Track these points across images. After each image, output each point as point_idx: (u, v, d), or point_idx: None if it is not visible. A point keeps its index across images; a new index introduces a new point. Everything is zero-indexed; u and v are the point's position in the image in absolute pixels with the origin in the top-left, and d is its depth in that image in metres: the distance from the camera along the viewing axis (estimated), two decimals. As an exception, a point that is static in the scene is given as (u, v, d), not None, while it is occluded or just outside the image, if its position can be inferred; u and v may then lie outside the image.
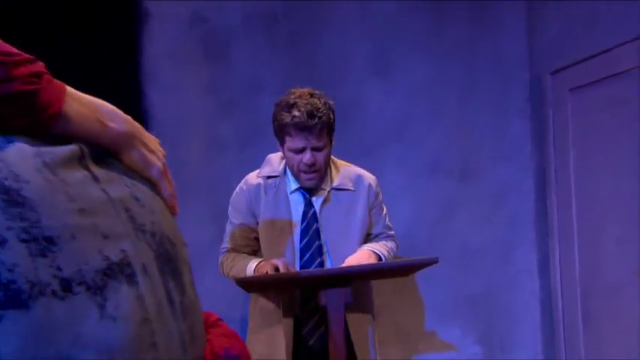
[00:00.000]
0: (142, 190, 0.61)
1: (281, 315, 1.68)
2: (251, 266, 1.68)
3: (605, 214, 2.47)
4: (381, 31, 3.07)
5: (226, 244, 1.92)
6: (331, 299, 1.41)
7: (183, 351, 0.56)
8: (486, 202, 3.14)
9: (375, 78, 3.07)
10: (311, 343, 1.67)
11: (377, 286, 2.93)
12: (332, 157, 1.90)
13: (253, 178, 1.86)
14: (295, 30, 3.01)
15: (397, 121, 3.10)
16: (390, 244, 1.96)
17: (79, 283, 0.45)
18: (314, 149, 1.68)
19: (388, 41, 3.08)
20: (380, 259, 1.71)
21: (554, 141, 2.87)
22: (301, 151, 1.68)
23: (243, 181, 1.89)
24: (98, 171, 0.56)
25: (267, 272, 1.55)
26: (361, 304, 1.73)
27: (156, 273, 0.55)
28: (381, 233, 1.95)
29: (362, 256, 1.70)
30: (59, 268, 0.45)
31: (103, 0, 2.82)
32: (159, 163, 0.66)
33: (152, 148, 0.67)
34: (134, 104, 2.85)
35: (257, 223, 1.81)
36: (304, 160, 1.68)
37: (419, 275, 3.08)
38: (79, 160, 0.54)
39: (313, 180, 1.73)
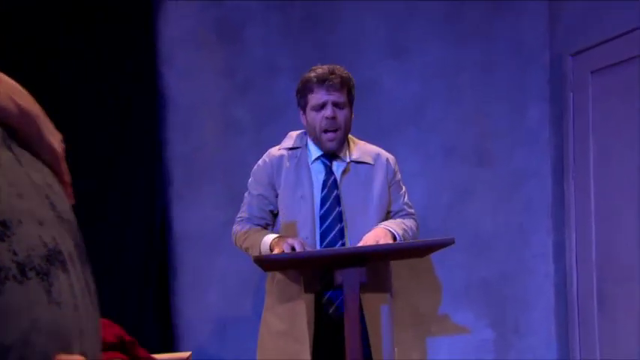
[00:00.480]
0: (50, 176, 0.58)
1: (302, 290, 1.68)
2: (266, 241, 1.68)
3: (624, 201, 2.42)
4: (397, 12, 3.02)
5: (242, 213, 1.94)
6: (347, 278, 1.42)
7: (97, 341, 0.56)
8: (502, 187, 3.10)
9: (391, 61, 3.03)
10: (331, 311, 1.69)
11: (393, 268, 2.95)
12: (352, 136, 1.94)
13: (275, 150, 1.90)
14: (310, 12, 2.97)
15: (413, 104, 3.06)
16: (409, 222, 1.96)
17: (31, 268, 0.45)
18: (335, 105, 1.74)
19: (404, 23, 3.02)
20: (395, 238, 1.70)
21: (573, 125, 2.80)
22: (322, 106, 1.74)
23: (265, 154, 1.92)
24: (19, 153, 0.53)
25: (282, 251, 1.55)
26: (379, 282, 1.74)
27: (77, 262, 0.54)
28: (401, 210, 1.96)
29: (378, 234, 1.69)
30: (15, 253, 0.44)
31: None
32: (59, 148, 0.63)
33: (52, 130, 0.63)
34: (151, 87, 2.86)
35: (276, 196, 1.82)
36: (326, 115, 1.73)
37: (434, 259, 3.08)
38: (3, 140, 0.51)
39: (334, 141, 1.76)
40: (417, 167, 3.03)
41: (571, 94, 2.80)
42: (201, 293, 2.95)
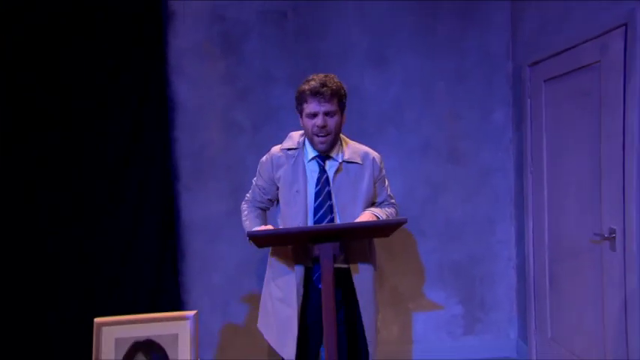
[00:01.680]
0: None
1: (293, 265, 1.93)
2: (251, 230, 1.91)
3: (569, 191, 2.69)
4: (378, 27, 3.26)
5: (248, 195, 2.19)
6: (323, 251, 1.65)
7: None
8: (471, 182, 3.37)
9: (373, 69, 3.28)
10: (320, 285, 1.89)
11: (378, 254, 3.20)
12: (344, 136, 2.11)
13: (277, 150, 2.06)
14: (302, 26, 3.21)
15: (392, 108, 3.31)
16: (391, 209, 2.18)
17: None
18: (326, 114, 1.89)
19: (385, 36, 3.26)
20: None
21: (530, 127, 3.08)
22: (315, 115, 1.89)
23: (268, 152, 2.09)
24: None
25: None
26: (364, 258, 1.98)
27: None
28: (385, 200, 2.18)
29: (364, 217, 1.94)
30: None
31: (133, 1, 3.04)
32: None
33: None
34: (161, 93, 3.11)
35: (277, 188, 2.02)
36: (317, 123, 1.88)
37: (411, 245, 3.36)
38: None
39: (325, 143, 1.92)
40: (396, 163, 3.29)
41: (528, 99, 3.08)
42: (207, 275, 3.21)
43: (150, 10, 3.06)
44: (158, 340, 1.54)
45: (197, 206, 3.21)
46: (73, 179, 3.09)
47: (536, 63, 2.97)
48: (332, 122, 1.91)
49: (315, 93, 1.86)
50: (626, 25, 2.16)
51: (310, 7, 3.21)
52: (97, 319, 1.54)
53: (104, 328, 1.53)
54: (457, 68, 3.31)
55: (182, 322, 1.55)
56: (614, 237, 2.31)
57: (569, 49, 2.60)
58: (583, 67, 2.50)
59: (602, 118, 2.36)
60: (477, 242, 3.38)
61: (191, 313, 1.57)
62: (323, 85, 1.87)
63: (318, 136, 1.91)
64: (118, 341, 1.54)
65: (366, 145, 2.24)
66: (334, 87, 1.89)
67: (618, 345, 2.32)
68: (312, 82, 1.89)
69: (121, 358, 1.52)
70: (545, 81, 2.89)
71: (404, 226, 3.30)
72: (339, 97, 1.92)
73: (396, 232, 3.27)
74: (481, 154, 3.36)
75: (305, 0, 3.19)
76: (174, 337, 1.55)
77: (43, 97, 3.06)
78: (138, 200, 3.11)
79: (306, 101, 1.91)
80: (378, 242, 3.29)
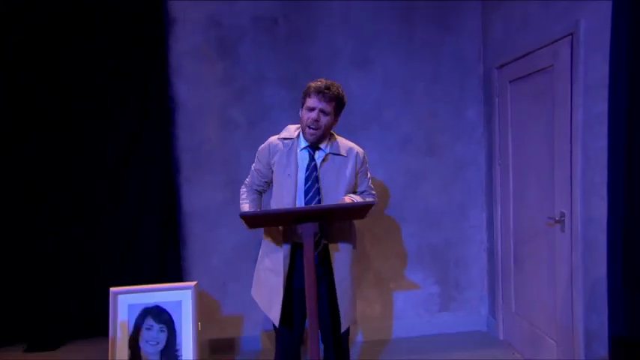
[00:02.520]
0: None
1: (282, 242, 2.18)
2: (243, 211, 2.14)
3: (529, 180, 2.96)
4: (362, 33, 3.49)
5: (247, 179, 2.41)
6: (304, 230, 1.89)
7: None
8: (447, 173, 3.62)
9: (357, 71, 3.51)
10: (300, 253, 2.11)
11: (359, 237, 3.45)
12: (334, 132, 2.31)
13: (274, 139, 2.29)
14: (292, 32, 3.44)
15: (375, 106, 3.55)
16: (370, 198, 2.39)
17: None
18: (321, 111, 2.12)
19: (368, 41, 3.50)
20: None
21: (498, 123, 3.33)
22: (312, 109, 2.12)
23: (267, 140, 2.31)
24: None
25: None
26: (345, 237, 2.22)
27: None
28: (365, 191, 2.40)
29: (344, 201, 2.17)
30: None
31: (137, 9, 3.26)
32: None
33: None
34: (163, 93, 3.35)
35: (271, 172, 2.25)
36: (312, 117, 2.11)
37: (392, 231, 3.61)
38: None
39: (313, 135, 2.15)
40: (378, 157, 3.54)
41: (496, 98, 3.33)
42: (206, 258, 3.46)
43: (150, 15, 3.28)
44: (164, 306, 1.79)
45: (196, 196, 3.45)
46: (77, 174, 3.35)
47: (502, 66, 3.22)
48: (324, 120, 2.14)
49: (318, 91, 2.11)
50: (572, 34, 2.42)
51: (299, 14, 3.43)
52: (112, 289, 1.79)
53: (119, 296, 1.78)
54: (433, 70, 3.55)
55: (185, 291, 1.80)
56: (563, 220, 2.58)
57: (529, 53, 2.86)
58: (539, 70, 2.76)
59: (555, 116, 2.62)
60: (452, 228, 3.64)
61: (192, 283, 1.82)
62: (327, 87, 2.12)
63: (309, 127, 2.14)
64: (131, 307, 1.79)
65: (352, 140, 2.46)
66: (335, 92, 2.14)
67: (565, 313, 2.60)
68: (319, 83, 2.14)
69: (134, 321, 1.78)
70: (510, 82, 3.14)
71: (386, 212, 3.60)
72: (337, 102, 2.16)
73: (379, 219, 3.55)
74: (456, 147, 3.62)
75: (295, 7, 3.42)
76: (178, 304, 1.80)
77: (44, 97, 3.30)
78: (142, 190, 3.37)
79: (309, 96, 2.14)
80: (364, 228, 3.57)
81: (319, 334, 2.11)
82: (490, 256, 3.59)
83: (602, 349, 2.32)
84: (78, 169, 3.35)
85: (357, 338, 3.58)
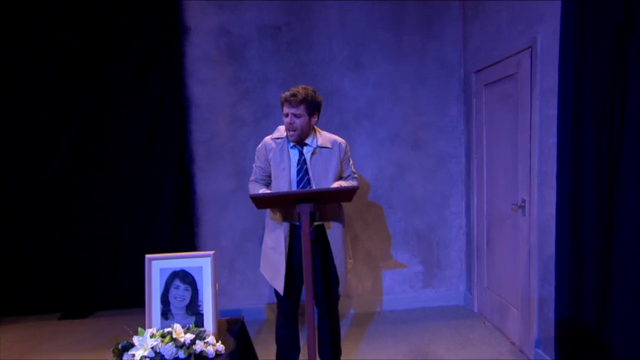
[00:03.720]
0: None
1: (282, 223, 2.55)
2: (253, 193, 2.49)
3: (499, 172, 3.34)
4: (356, 40, 3.85)
5: (252, 176, 2.74)
6: (302, 209, 2.26)
7: None
8: (430, 165, 4.00)
9: (351, 74, 3.87)
10: (300, 232, 2.49)
11: (351, 222, 3.83)
12: (318, 128, 2.65)
13: (268, 139, 2.64)
14: (293, 39, 3.80)
15: (367, 104, 3.91)
16: (354, 182, 2.72)
17: None
18: (294, 115, 2.44)
19: (361, 47, 3.86)
20: None
21: (475, 121, 3.71)
22: (287, 115, 2.46)
23: (263, 140, 2.66)
24: None
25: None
26: (335, 216, 2.59)
27: None
28: (349, 175, 2.74)
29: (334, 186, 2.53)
30: None
31: (156, 19, 3.63)
32: None
33: None
34: (179, 93, 3.73)
35: (270, 166, 2.60)
36: (287, 121, 2.46)
37: (381, 216, 4.00)
38: None
39: (292, 136, 2.49)
40: (370, 150, 3.92)
41: (474, 99, 3.70)
42: (216, 239, 3.86)
43: (168, 25, 3.66)
44: (189, 270, 2.19)
45: (208, 183, 3.84)
46: (105, 162, 3.77)
47: (479, 71, 3.59)
48: (298, 121, 2.46)
49: (286, 100, 2.45)
50: (531, 47, 2.79)
51: (300, 23, 3.80)
52: (147, 256, 2.18)
53: (153, 262, 2.18)
54: (419, 73, 3.92)
55: (205, 258, 2.19)
56: (524, 206, 2.97)
57: (500, 61, 3.23)
58: (507, 76, 3.13)
59: (518, 116, 3.00)
60: (434, 214, 4.03)
61: (211, 252, 2.21)
62: (293, 95, 2.43)
63: (288, 130, 2.50)
64: (162, 271, 2.19)
65: (346, 134, 2.79)
66: (302, 96, 2.43)
67: (525, 285, 3.00)
68: (287, 93, 2.46)
69: (164, 282, 2.17)
70: (485, 85, 3.51)
71: (376, 200, 3.99)
72: (305, 104, 2.45)
73: (368, 205, 3.94)
74: (439, 142, 3.99)
75: (296, 17, 3.78)
76: (200, 269, 2.19)
77: (85, 95, 3.71)
78: (160, 179, 3.77)
79: (282, 105, 2.50)
80: (356, 214, 3.96)
81: (313, 299, 2.50)
82: (468, 238, 3.98)
83: (551, 312, 2.72)
84: (106, 159, 3.76)
85: (350, 311, 3.99)
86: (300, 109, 2.45)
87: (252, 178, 2.75)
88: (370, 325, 3.71)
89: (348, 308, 3.98)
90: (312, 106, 2.51)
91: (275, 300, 2.75)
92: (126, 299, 3.81)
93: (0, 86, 3.69)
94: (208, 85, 3.77)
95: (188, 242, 3.72)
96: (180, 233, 3.78)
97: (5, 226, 3.77)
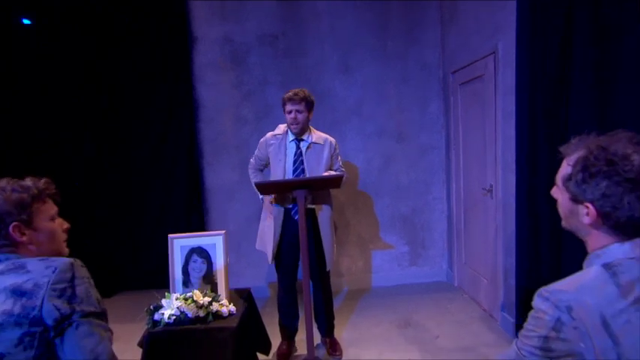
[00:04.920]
0: None
1: (277, 209, 2.94)
2: (257, 181, 2.91)
3: (470, 161, 3.73)
4: (345, 45, 4.20)
5: (252, 159, 3.12)
6: (298, 194, 2.63)
7: None
8: (414, 155, 4.37)
9: (342, 76, 4.23)
10: (295, 218, 2.91)
11: (344, 208, 4.21)
12: (312, 127, 3.00)
13: (270, 135, 3.03)
14: (289, 46, 4.16)
15: (356, 103, 4.27)
16: (341, 173, 3.12)
17: None
18: (297, 111, 2.83)
19: (349, 52, 4.21)
20: None
21: (453, 116, 4.09)
22: (290, 112, 2.84)
23: (264, 136, 3.03)
24: None
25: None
26: (324, 201, 2.97)
27: None
28: (337, 169, 3.10)
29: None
30: None
31: (167, 30, 4.00)
32: None
33: None
34: (188, 95, 4.10)
35: (267, 157, 2.97)
36: (291, 117, 2.83)
37: (370, 203, 4.39)
38: None
39: (297, 128, 2.86)
40: (359, 144, 4.29)
41: (451, 97, 4.08)
42: (224, 224, 4.22)
43: (178, 36, 4.02)
44: (205, 247, 2.57)
45: (216, 176, 4.23)
46: (124, 158, 4.15)
47: (455, 71, 3.96)
48: (300, 116, 2.85)
49: (290, 99, 2.84)
50: (494, 52, 3.17)
51: (295, 32, 4.16)
52: (170, 235, 2.57)
53: (174, 240, 2.57)
54: (403, 74, 4.27)
55: (218, 237, 2.58)
56: (491, 190, 3.36)
57: (470, 64, 3.60)
58: (477, 77, 3.51)
59: (486, 112, 3.39)
60: (418, 199, 4.41)
61: (222, 231, 2.60)
62: (295, 94, 2.84)
63: (291, 124, 2.88)
64: (182, 247, 2.58)
65: (337, 131, 3.15)
66: (302, 95, 2.84)
67: (492, 258, 3.40)
68: (289, 93, 2.86)
69: (184, 256, 2.57)
70: (460, 84, 3.89)
71: (365, 188, 4.37)
72: (305, 102, 2.86)
73: (358, 193, 4.33)
74: (421, 136, 4.36)
75: (291, 27, 4.14)
76: (214, 245, 2.58)
77: (105, 98, 4.09)
78: (172, 172, 4.16)
79: (285, 104, 2.88)
80: (347, 201, 4.34)
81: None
82: (448, 221, 4.38)
83: (513, 280, 3.12)
84: (124, 155, 4.15)
85: (344, 288, 4.40)
86: (302, 106, 2.84)
87: (252, 161, 3.13)
88: (361, 299, 4.11)
89: (342, 286, 4.38)
90: (310, 104, 2.91)
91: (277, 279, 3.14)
92: (145, 281, 4.21)
93: (36, 91, 4.01)
94: (214, 88, 4.15)
95: (199, 229, 4.11)
96: (192, 221, 4.16)
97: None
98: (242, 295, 2.68)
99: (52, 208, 1.36)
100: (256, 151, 3.11)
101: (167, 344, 2.23)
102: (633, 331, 0.88)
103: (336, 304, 3.93)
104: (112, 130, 4.14)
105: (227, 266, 2.58)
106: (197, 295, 2.39)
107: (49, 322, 1.10)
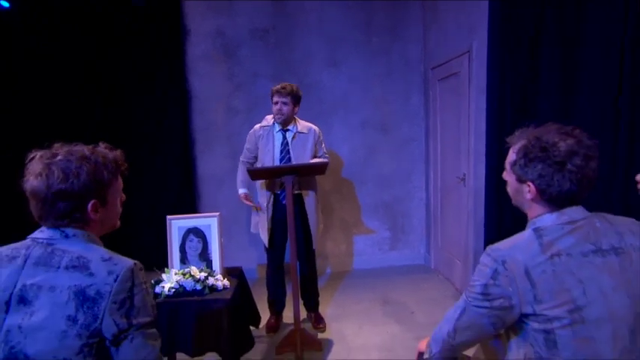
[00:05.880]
0: None
1: (267, 192, 3.17)
2: (239, 191, 3.22)
3: (448, 151, 4.01)
4: (332, 40, 4.41)
5: (242, 157, 3.33)
6: (286, 180, 2.87)
7: None
8: (396, 146, 4.63)
9: (329, 69, 4.45)
10: (283, 202, 3.15)
11: (329, 195, 4.46)
12: (297, 117, 3.21)
13: (258, 127, 3.24)
14: (279, 39, 4.36)
15: (342, 95, 4.49)
16: (325, 160, 3.33)
17: None
18: (282, 103, 3.03)
19: (336, 46, 4.42)
20: None
21: (432, 110, 4.36)
22: (276, 103, 3.05)
23: (253, 128, 3.25)
24: None
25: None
26: (310, 187, 3.21)
27: None
28: (322, 155, 3.33)
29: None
30: None
31: (161, 23, 4.16)
32: None
33: None
34: (181, 86, 4.27)
35: (257, 149, 3.19)
36: (277, 107, 3.04)
37: (354, 190, 4.65)
38: None
39: (281, 119, 3.06)
40: (345, 134, 4.53)
41: (431, 92, 4.33)
42: (215, 210, 4.41)
43: (171, 28, 4.17)
44: (200, 227, 2.80)
45: (208, 164, 4.44)
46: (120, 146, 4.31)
47: (434, 67, 4.21)
48: (285, 108, 3.06)
49: (277, 91, 3.05)
50: (469, 51, 3.43)
51: (285, 26, 4.35)
52: (168, 216, 2.79)
53: (172, 221, 2.80)
54: (387, 68, 4.51)
55: (213, 218, 2.81)
56: (464, 178, 3.64)
57: (448, 61, 3.86)
58: (453, 73, 3.77)
59: (461, 106, 3.66)
60: (399, 188, 4.69)
61: (217, 213, 2.83)
62: (283, 87, 3.05)
63: (276, 114, 3.09)
64: (179, 228, 2.80)
65: (323, 122, 3.38)
66: (289, 89, 3.05)
67: (465, 241, 3.70)
68: (277, 86, 3.08)
69: (182, 236, 2.79)
70: (438, 80, 4.15)
71: (350, 176, 4.63)
72: (291, 96, 3.06)
73: (343, 181, 4.58)
74: (403, 127, 4.61)
75: (281, 21, 4.33)
76: (209, 226, 2.81)
77: (104, 90, 4.23)
78: (166, 160, 4.34)
79: (273, 95, 3.09)
80: (333, 189, 4.59)
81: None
82: (427, 208, 4.67)
83: (481, 261, 3.42)
84: (121, 144, 4.26)
85: (327, 270, 4.67)
86: (288, 99, 3.06)
87: (242, 158, 3.35)
88: (344, 280, 4.39)
89: (326, 268, 4.65)
90: (296, 98, 3.12)
91: (265, 260, 3.39)
92: (141, 261, 4.41)
93: (36, 83, 4.07)
94: (207, 79, 4.33)
95: (192, 213, 4.32)
96: (185, 206, 4.36)
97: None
98: (234, 273, 2.92)
99: (121, 183, 1.36)
100: (246, 144, 3.31)
101: (167, 314, 2.47)
102: (546, 279, 1.14)
103: (321, 284, 4.20)
104: (108, 120, 4.27)
105: (222, 245, 2.82)
106: (194, 270, 2.62)
107: (108, 335, 1.14)
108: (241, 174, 3.37)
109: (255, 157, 3.30)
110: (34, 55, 4.07)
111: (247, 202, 3.31)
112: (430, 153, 4.44)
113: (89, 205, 1.22)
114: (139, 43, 4.18)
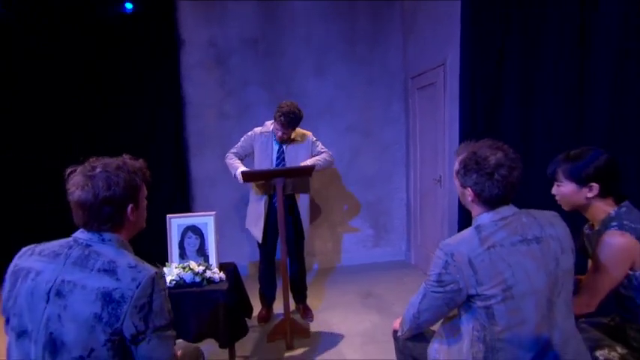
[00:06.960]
0: None
1: (261, 194, 3.43)
2: (236, 167, 3.35)
3: (427, 154, 4.32)
4: (318, 50, 4.68)
5: (234, 149, 3.50)
6: (277, 181, 3.14)
7: None
8: (379, 149, 4.91)
9: (315, 77, 4.71)
10: (276, 205, 3.39)
11: (317, 195, 4.73)
12: None
13: (257, 130, 3.44)
14: (268, 48, 4.61)
15: (328, 102, 4.76)
16: (324, 155, 3.49)
17: None
18: (284, 133, 3.23)
19: (322, 55, 4.69)
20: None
21: (412, 116, 4.66)
22: (279, 130, 3.22)
23: (252, 130, 3.44)
24: None
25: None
26: (303, 188, 3.47)
27: None
28: (320, 152, 3.54)
29: (303, 164, 3.39)
30: None
31: (157, 34, 4.39)
32: None
33: None
34: (176, 93, 4.49)
35: (251, 149, 3.39)
36: (280, 135, 3.24)
37: (340, 191, 4.93)
38: None
39: (280, 140, 3.30)
40: (331, 138, 4.76)
41: (410, 99, 4.64)
42: (209, 210, 4.67)
43: (166, 39, 4.41)
44: (198, 225, 3.06)
45: (200, 167, 4.66)
46: (115, 149, 4.52)
47: (414, 77, 4.52)
48: (286, 135, 3.29)
49: (282, 124, 3.21)
50: (444, 64, 3.75)
51: (273, 36, 4.61)
52: (168, 215, 3.04)
53: (172, 219, 3.04)
54: (369, 76, 4.79)
55: (209, 217, 3.07)
56: (440, 180, 3.96)
57: (426, 72, 4.17)
58: (430, 84, 4.08)
59: (437, 114, 3.97)
60: (382, 189, 4.98)
61: (213, 212, 3.08)
62: (288, 123, 3.20)
63: (280, 137, 3.30)
64: (179, 226, 3.05)
65: (311, 127, 3.62)
66: (294, 123, 3.24)
67: (442, 237, 4.01)
68: (283, 119, 3.17)
69: (180, 233, 3.04)
70: (417, 88, 4.46)
71: (336, 178, 4.90)
72: (295, 124, 3.27)
73: (330, 182, 4.86)
74: (385, 132, 4.90)
75: (270, 31, 4.58)
76: (206, 224, 3.06)
77: (100, 96, 4.43)
78: (161, 163, 4.56)
79: (278, 123, 3.23)
80: (321, 189, 4.85)
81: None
82: (407, 208, 4.97)
83: (455, 255, 3.73)
84: (118, 148, 4.47)
85: (314, 266, 4.94)
86: (291, 128, 3.30)
87: (233, 150, 3.53)
88: (330, 276, 4.67)
89: (313, 264, 4.92)
90: (298, 123, 3.35)
91: (257, 258, 3.64)
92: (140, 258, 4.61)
93: (37, 88, 4.27)
94: (200, 87, 4.56)
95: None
96: (179, 207, 4.59)
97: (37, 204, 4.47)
98: (228, 268, 3.18)
99: (145, 189, 1.51)
100: (241, 142, 3.51)
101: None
102: (485, 266, 1.43)
103: (309, 279, 4.46)
104: (105, 125, 4.48)
105: (218, 241, 3.08)
106: (193, 264, 2.87)
107: (127, 335, 1.28)
108: (233, 160, 3.49)
109: (246, 155, 3.52)
110: (35, 59, 4.25)
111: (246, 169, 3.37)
112: (410, 156, 4.74)
113: (128, 209, 1.39)
114: (137, 52, 4.39)
